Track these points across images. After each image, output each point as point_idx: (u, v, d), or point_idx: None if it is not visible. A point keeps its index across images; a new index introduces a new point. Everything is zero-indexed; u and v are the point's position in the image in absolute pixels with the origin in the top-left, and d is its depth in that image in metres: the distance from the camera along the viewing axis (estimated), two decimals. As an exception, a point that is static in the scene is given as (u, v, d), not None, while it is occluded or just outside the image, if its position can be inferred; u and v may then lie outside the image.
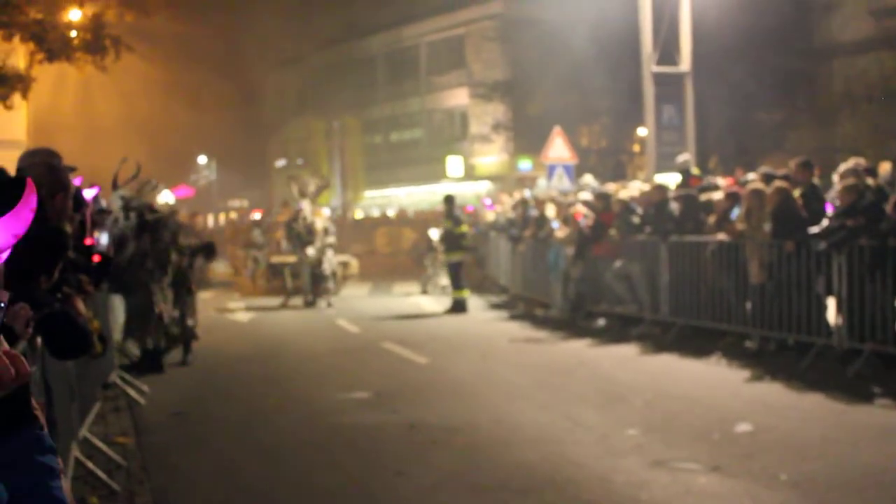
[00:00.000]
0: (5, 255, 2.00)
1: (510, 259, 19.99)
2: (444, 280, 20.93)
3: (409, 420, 9.00)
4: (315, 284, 19.92)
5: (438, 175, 43.00)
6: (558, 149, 20.59)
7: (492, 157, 41.94)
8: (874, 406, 9.08)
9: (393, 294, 22.80)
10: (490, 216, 25.19)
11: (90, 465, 7.09)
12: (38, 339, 4.42)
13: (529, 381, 10.90)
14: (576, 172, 20.80)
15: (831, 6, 27.27)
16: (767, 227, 11.42)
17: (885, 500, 6.35)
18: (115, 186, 11.68)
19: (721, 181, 14.99)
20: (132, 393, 10.38)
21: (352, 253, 26.73)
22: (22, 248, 3.29)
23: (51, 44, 17.49)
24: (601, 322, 15.14)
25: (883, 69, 25.40)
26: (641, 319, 14.15)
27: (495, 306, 19.31)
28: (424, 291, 21.99)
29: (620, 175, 27.63)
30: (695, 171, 15.60)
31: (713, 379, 10.70)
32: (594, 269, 15.24)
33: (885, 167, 13.07)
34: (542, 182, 27.22)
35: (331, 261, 20.29)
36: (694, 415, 8.88)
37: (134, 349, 12.50)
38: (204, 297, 23.92)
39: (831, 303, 10.84)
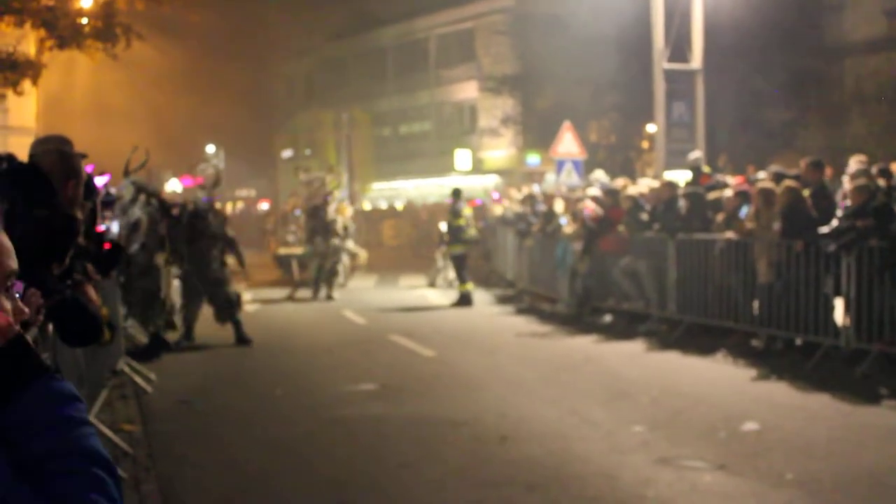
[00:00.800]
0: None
1: (517, 253, 19.99)
2: (452, 273, 20.97)
3: (416, 414, 9.01)
4: (320, 278, 19.79)
5: (447, 168, 42.97)
6: (567, 144, 20.55)
7: (500, 151, 41.90)
8: (881, 407, 9.06)
9: (399, 286, 22.81)
10: (498, 210, 25.18)
11: (97, 452, 7.09)
12: (50, 326, 4.42)
13: (536, 376, 10.90)
14: (584, 168, 20.75)
15: (844, 5, 27.18)
16: (777, 226, 11.38)
17: (891, 501, 6.34)
18: (126, 173, 11.73)
19: (731, 179, 14.95)
20: (139, 381, 10.41)
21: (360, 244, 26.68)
22: (34, 234, 3.29)
23: (61, 31, 17.52)
24: (608, 318, 15.13)
25: (895, 69, 25.31)
26: (648, 316, 14.13)
27: (502, 300, 19.30)
28: (432, 284, 21.97)
29: (629, 171, 27.55)
30: (705, 168, 15.55)
31: (719, 377, 10.68)
32: (601, 265, 15.22)
33: None
34: (550, 177, 27.17)
35: (343, 262, 20.31)
36: (700, 413, 8.87)
37: (139, 335, 12.54)
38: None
39: (839, 303, 10.81)
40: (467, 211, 19.17)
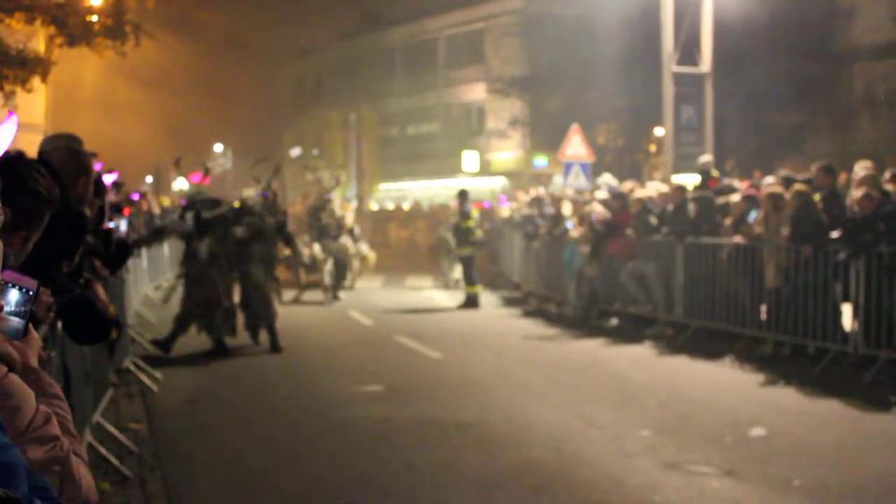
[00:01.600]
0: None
1: (524, 256, 19.96)
2: (457, 273, 20.94)
3: (422, 416, 8.99)
4: (335, 281, 19.47)
5: (454, 169, 42.94)
6: (575, 146, 20.52)
7: (508, 152, 41.88)
8: (889, 413, 9.01)
9: (406, 287, 22.79)
10: (505, 212, 25.16)
11: (103, 450, 7.10)
12: (59, 324, 4.42)
13: (542, 379, 10.88)
14: (592, 171, 20.73)
15: (853, 11, 27.11)
16: (785, 230, 11.35)
17: (899, 510, 6.31)
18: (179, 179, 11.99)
19: (739, 184, 14.92)
20: (145, 380, 10.40)
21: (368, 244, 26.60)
22: (43, 232, 3.27)
23: (71, 28, 17.53)
24: (615, 321, 15.10)
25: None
26: (655, 320, 14.10)
27: (508, 302, 19.28)
28: (446, 285, 21.86)
29: (637, 174, 27.53)
30: (714, 172, 15.52)
31: (727, 382, 10.65)
32: (609, 269, 15.19)
33: None
34: (557, 179, 27.16)
35: (351, 264, 20.20)
36: (707, 417, 8.84)
37: (145, 335, 12.56)
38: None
39: (847, 308, 10.77)
40: (475, 212, 19.15)
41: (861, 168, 11.87)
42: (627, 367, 11.53)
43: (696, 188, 14.82)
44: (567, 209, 17.55)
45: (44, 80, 18.16)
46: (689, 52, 19.97)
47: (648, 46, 22.01)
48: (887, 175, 11.49)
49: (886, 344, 10.08)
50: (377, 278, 24.03)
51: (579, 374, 11.19)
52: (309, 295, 19.54)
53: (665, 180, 18.54)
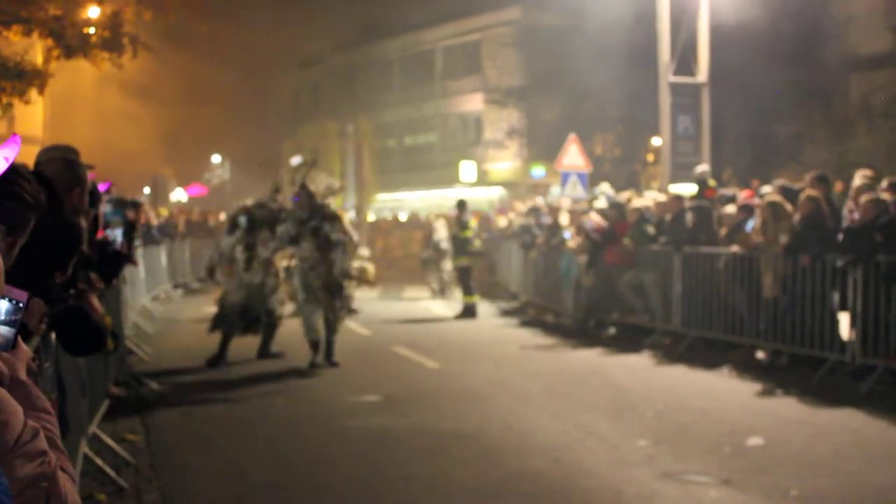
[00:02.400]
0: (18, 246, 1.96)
1: (522, 265, 19.96)
2: (434, 284, 21.08)
3: (420, 426, 8.97)
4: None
5: (451, 180, 42.98)
6: (573, 156, 20.53)
7: (505, 163, 41.92)
8: (887, 422, 9.00)
9: (403, 298, 22.77)
10: (502, 222, 25.17)
11: (99, 461, 7.08)
12: (52, 335, 4.40)
13: (540, 389, 10.86)
14: (589, 181, 20.74)
15: (850, 20, 27.17)
16: (784, 239, 11.35)
17: (898, 519, 6.29)
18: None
19: (740, 193, 14.92)
20: (142, 390, 10.39)
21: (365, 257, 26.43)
22: (36, 242, 3.26)
23: (69, 40, 17.53)
24: (612, 331, 15.09)
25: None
26: (653, 329, 14.09)
27: (506, 312, 19.27)
28: (441, 292, 21.82)
29: (634, 184, 27.55)
30: (711, 182, 15.52)
31: (724, 391, 10.64)
32: (606, 278, 15.19)
33: None
34: (555, 189, 27.16)
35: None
36: (705, 427, 8.83)
37: (141, 346, 12.53)
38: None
39: (844, 317, 10.76)
40: (473, 223, 19.14)
41: (860, 177, 11.88)
42: (625, 377, 11.52)
43: (692, 198, 14.81)
44: (564, 219, 17.56)
45: (41, 92, 18.17)
46: (685, 62, 20.00)
47: (645, 56, 22.04)
48: (884, 184, 11.50)
49: (884, 353, 10.07)
50: (374, 289, 23.98)
51: (577, 383, 11.18)
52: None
53: (662, 190, 18.55)
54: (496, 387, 10.99)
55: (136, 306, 16.67)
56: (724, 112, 23.01)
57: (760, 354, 12.11)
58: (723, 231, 13.16)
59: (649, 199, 15.89)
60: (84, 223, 5.51)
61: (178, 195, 48.38)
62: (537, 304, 18.71)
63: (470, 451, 8.05)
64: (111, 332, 7.13)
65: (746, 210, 12.77)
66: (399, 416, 9.50)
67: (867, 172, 12.28)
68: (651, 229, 14.47)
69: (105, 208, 7.01)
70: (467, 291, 18.41)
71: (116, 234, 6.59)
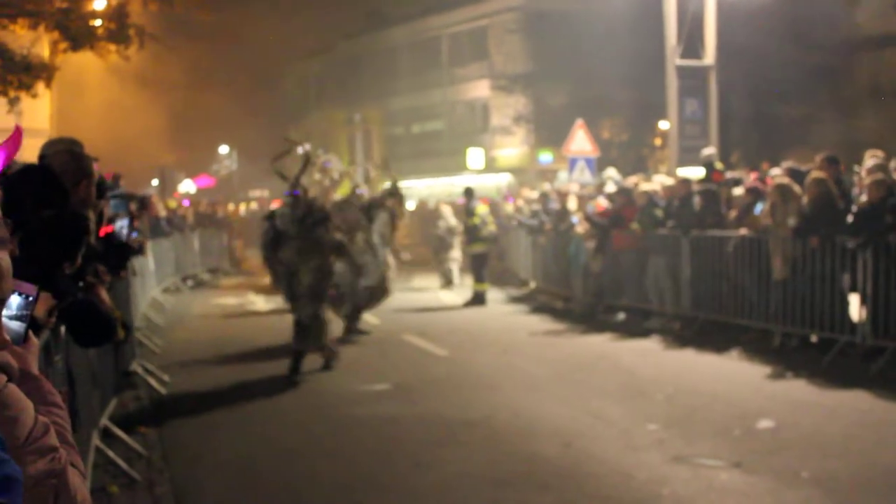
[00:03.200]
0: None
1: (530, 252, 19.94)
2: (453, 269, 21.12)
3: (429, 413, 8.99)
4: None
5: (459, 167, 42.91)
6: (580, 142, 20.48)
7: (513, 149, 41.83)
8: (898, 404, 8.98)
9: (413, 287, 22.77)
10: (509, 209, 25.13)
11: (110, 453, 7.12)
12: (62, 328, 4.42)
13: (549, 375, 10.87)
14: (597, 165, 20.69)
15: (856, 0, 27.02)
16: (792, 221, 11.32)
17: (909, 500, 6.28)
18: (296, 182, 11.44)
19: (747, 176, 14.87)
20: (153, 382, 10.43)
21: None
22: (42, 235, 3.27)
23: (75, 33, 17.53)
24: (621, 316, 15.07)
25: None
26: (662, 314, 14.07)
27: (515, 299, 19.26)
28: (448, 283, 21.82)
29: (642, 168, 27.48)
30: (718, 165, 15.48)
31: (734, 374, 10.63)
32: (615, 263, 15.17)
33: None
34: (562, 175, 27.11)
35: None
36: (715, 410, 8.82)
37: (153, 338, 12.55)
38: (230, 284, 24.01)
39: (854, 299, 10.74)
40: (481, 209, 19.06)
41: (871, 157, 11.83)
42: (635, 362, 11.52)
43: (700, 181, 14.78)
44: (572, 204, 17.53)
45: (48, 85, 18.18)
46: (692, 44, 19.92)
47: (651, 40, 21.95)
48: (893, 164, 11.45)
49: (895, 335, 10.04)
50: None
51: (587, 369, 11.18)
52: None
53: (670, 174, 18.50)
54: (505, 374, 11.00)
55: (147, 298, 16.71)
56: (732, 94, 22.92)
57: (772, 337, 12.09)
58: (732, 214, 13.11)
59: (657, 183, 15.85)
60: (92, 215, 5.53)
61: (187, 186, 48.39)
62: (546, 291, 18.69)
63: (479, 438, 8.07)
64: (121, 322, 7.16)
65: (755, 193, 12.73)
66: (408, 404, 9.52)
67: (877, 153, 12.23)
68: (660, 213, 14.43)
69: (112, 201, 7.00)
70: (479, 279, 18.40)
71: (123, 225, 6.60)
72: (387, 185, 15.92)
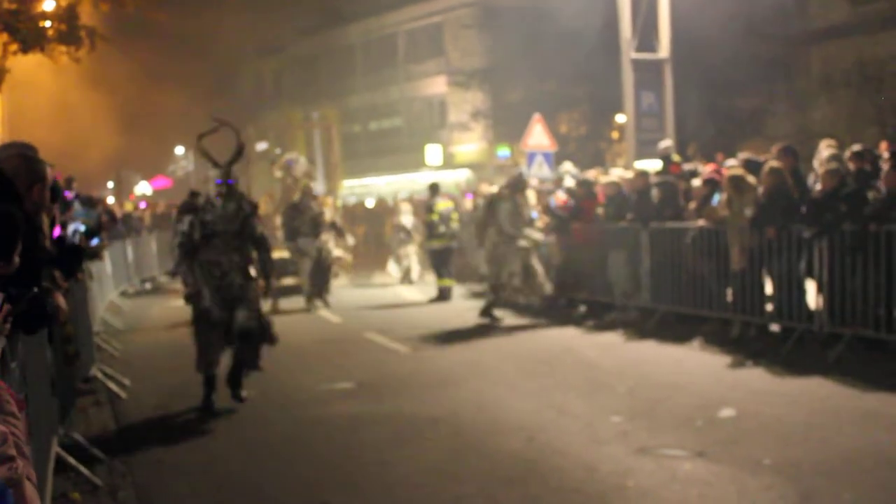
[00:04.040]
0: None
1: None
2: (413, 264, 21.13)
3: (393, 411, 8.97)
4: (316, 282, 17.78)
5: (418, 164, 42.89)
6: (538, 136, 20.53)
7: (471, 145, 41.85)
8: (857, 390, 9.09)
9: (373, 284, 22.73)
10: (468, 205, 25.12)
11: (71, 460, 7.02)
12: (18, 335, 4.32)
13: (512, 369, 10.89)
14: (555, 160, 20.75)
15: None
16: (749, 212, 11.42)
17: (869, 484, 6.36)
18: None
19: (703, 167, 14.98)
20: (113, 387, 10.30)
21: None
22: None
23: (24, 34, 17.30)
24: (582, 309, 15.13)
25: (861, 55, 25.44)
26: (623, 306, 14.14)
27: (476, 295, 19.25)
28: (406, 278, 21.86)
29: (600, 162, 27.59)
30: (675, 157, 15.58)
31: (695, 365, 10.72)
32: (575, 257, 15.22)
33: (883, 146, 12.86)
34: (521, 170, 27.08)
35: (330, 257, 18.42)
36: (677, 401, 8.89)
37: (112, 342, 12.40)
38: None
39: (811, 287, 10.87)
40: (441, 206, 18.98)
41: (825, 147, 11.96)
42: (597, 355, 11.57)
43: (657, 174, 14.87)
44: (531, 199, 17.53)
45: (-2, 87, 17.94)
46: (647, 38, 20.03)
47: (607, 34, 22.05)
48: (847, 153, 11.59)
49: (851, 321, 10.18)
50: (344, 275, 23.92)
51: (549, 363, 11.22)
52: (285, 303, 17.89)
53: (628, 167, 18.60)
54: (468, 369, 11.01)
55: (105, 302, 16.53)
56: (687, 87, 23.05)
57: (732, 327, 12.20)
58: (691, 205, 13.21)
59: (615, 176, 15.92)
60: (47, 219, 5.44)
61: (143, 188, 47.93)
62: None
63: (443, 434, 8.07)
64: (68, 338, 7.05)
65: (712, 184, 12.82)
66: (372, 402, 9.49)
67: (831, 142, 12.36)
68: (623, 204, 14.47)
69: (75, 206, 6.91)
70: (440, 275, 18.38)
71: (77, 228, 6.51)
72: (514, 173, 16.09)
